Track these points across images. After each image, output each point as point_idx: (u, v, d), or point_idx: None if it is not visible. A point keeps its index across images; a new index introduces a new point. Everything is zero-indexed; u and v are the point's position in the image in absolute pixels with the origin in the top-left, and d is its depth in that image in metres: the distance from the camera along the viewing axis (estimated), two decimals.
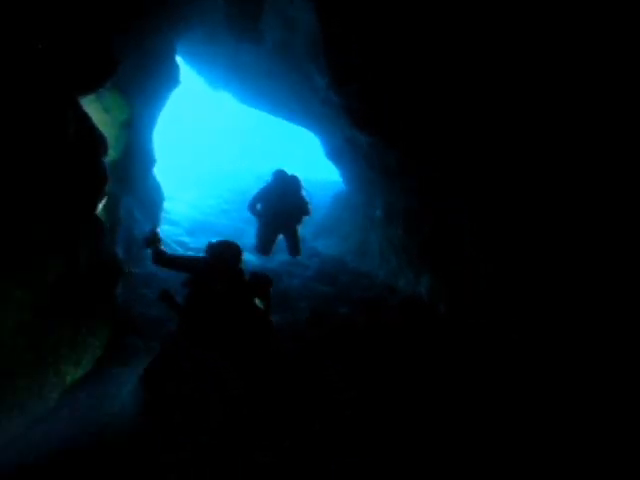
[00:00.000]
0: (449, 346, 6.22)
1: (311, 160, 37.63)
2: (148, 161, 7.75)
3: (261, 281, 5.13)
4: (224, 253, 5.00)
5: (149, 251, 5.63)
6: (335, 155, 10.68)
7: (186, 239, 11.47)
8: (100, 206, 4.64)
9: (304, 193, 9.35)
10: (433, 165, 6.23)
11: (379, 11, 5.32)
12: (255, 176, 12.89)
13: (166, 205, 14.23)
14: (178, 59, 9.68)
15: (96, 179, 4.24)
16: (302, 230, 9.95)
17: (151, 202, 8.21)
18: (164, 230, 12.12)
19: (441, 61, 5.38)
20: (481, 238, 6.29)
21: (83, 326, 4.42)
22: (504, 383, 5.28)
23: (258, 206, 9.22)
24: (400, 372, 5.68)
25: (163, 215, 13.17)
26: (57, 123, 3.66)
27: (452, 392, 5.24)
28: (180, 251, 10.62)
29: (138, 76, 6.38)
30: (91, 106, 4.83)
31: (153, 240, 5.28)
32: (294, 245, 9.57)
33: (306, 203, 9.28)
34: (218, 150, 51.15)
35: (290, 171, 9.46)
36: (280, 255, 9.80)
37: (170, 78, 7.90)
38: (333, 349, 6.15)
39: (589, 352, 4.94)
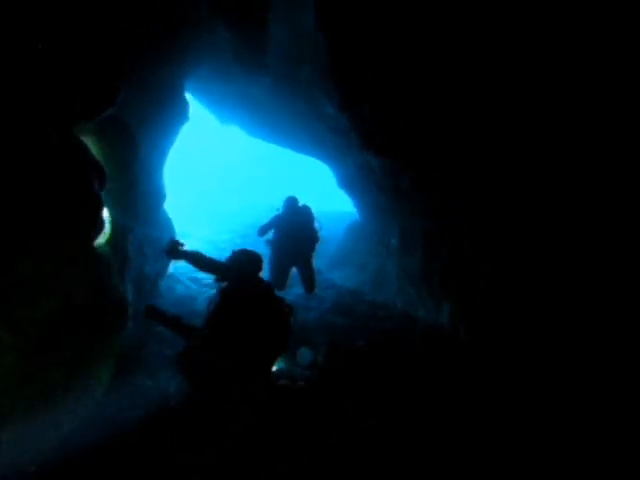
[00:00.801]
0: (472, 376, 5.94)
1: (324, 191, 37.86)
2: (158, 196, 7.67)
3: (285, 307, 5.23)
4: (245, 260, 5.22)
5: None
6: (347, 184, 10.58)
7: (200, 275, 11.34)
8: (99, 238, 4.44)
9: (316, 224, 9.20)
10: (449, 183, 6.05)
11: (387, 31, 5.25)
12: (268, 209, 12.83)
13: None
14: (188, 96, 9.75)
15: (88, 206, 3.94)
16: (317, 262, 9.77)
17: (162, 238, 8.11)
18: (178, 267, 12.05)
19: (449, 75, 5.27)
20: (500, 257, 6.08)
21: (80, 369, 4.19)
22: (531, 416, 4.99)
23: (270, 234, 9.09)
24: (422, 403, 5.41)
25: None
26: (40, 146, 3.48)
27: (472, 424, 4.96)
28: (194, 288, 10.50)
29: (147, 112, 6.36)
30: (93, 142, 4.77)
31: (173, 247, 5.43)
32: (308, 279, 9.36)
33: (316, 232, 9.12)
34: (229, 184, 51.68)
35: (303, 202, 9.34)
36: (296, 288, 9.61)
37: (179, 114, 7.90)
38: (351, 380, 5.91)
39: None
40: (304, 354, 6.27)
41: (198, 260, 5.51)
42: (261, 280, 5.35)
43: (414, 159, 6.13)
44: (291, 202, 9.16)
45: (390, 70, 5.49)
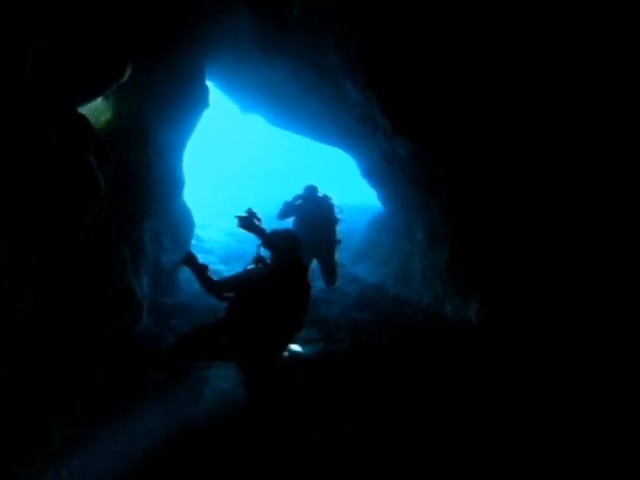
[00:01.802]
0: (498, 374, 5.60)
1: (347, 183, 37.49)
2: (176, 184, 7.41)
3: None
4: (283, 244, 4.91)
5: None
6: (372, 174, 10.22)
7: (220, 267, 11.16)
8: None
9: (337, 213, 8.86)
10: (485, 175, 5.69)
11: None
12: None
13: (200, 233, 14.08)
14: (209, 84, 9.50)
15: (84, 185, 3.44)
16: (340, 255, 9.47)
17: (180, 229, 7.87)
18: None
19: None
20: (532, 254, 5.73)
21: (72, 368, 3.86)
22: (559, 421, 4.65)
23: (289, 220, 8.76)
24: (445, 400, 5.13)
25: (196, 243, 12.97)
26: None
27: (491, 423, 4.68)
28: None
29: (164, 96, 6.12)
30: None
31: (191, 261, 4.89)
32: (329, 272, 9.03)
33: (336, 222, 8.77)
34: (251, 175, 51.53)
35: (323, 192, 9.02)
36: (317, 282, 9.33)
37: (199, 99, 7.63)
38: (373, 374, 5.67)
39: None
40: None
41: (227, 285, 5.05)
42: (300, 259, 5.08)
43: (449, 146, 5.79)
44: (311, 191, 8.85)
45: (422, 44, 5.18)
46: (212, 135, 51.72)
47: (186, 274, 9.88)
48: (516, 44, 4.89)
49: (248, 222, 4.88)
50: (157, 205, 6.31)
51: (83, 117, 3.66)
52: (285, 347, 5.02)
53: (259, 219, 4.97)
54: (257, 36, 7.14)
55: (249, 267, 5.00)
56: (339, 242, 9.00)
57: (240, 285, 4.85)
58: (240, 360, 4.74)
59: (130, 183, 4.78)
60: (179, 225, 7.67)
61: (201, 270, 4.84)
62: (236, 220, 4.98)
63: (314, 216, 8.54)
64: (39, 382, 3.39)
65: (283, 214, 8.69)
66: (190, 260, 4.87)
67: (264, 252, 5.02)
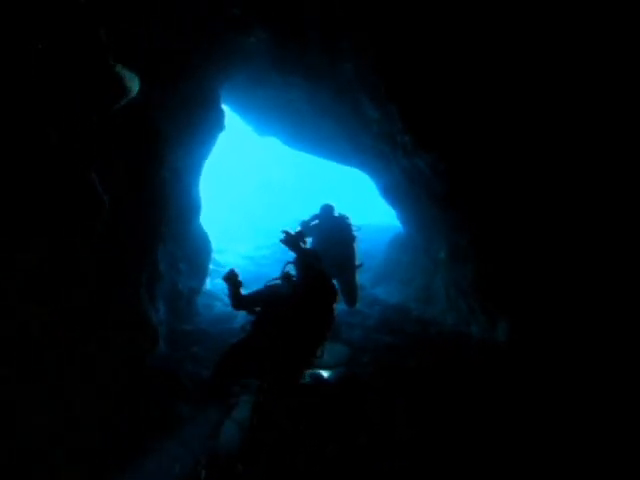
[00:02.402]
0: (527, 396, 5.31)
1: (366, 203, 37.30)
2: (192, 208, 7.30)
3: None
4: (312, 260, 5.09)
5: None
6: (390, 193, 10.03)
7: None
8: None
9: (354, 232, 8.65)
10: (514, 184, 5.46)
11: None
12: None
13: (218, 257, 13.96)
14: (225, 108, 9.48)
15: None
16: (360, 277, 9.24)
17: (197, 253, 7.73)
18: (215, 284, 11.73)
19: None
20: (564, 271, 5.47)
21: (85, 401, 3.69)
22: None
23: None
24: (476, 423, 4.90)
25: (214, 268, 12.83)
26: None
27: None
28: None
29: (180, 118, 6.04)
30: None
31: (233, 278, 5.10)
32: (348, 291, 8.76)
33: (353, 240, 8.57)
34: (270, 198, 51.50)
35: (340, 212, 8.83)
36: (338, 304, 9.11)
37: (214, 122, 7.56)
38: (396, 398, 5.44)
39: None
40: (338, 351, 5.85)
41: (254, 299, 5.16)
42: (326, 274, 5.20)
43: (472, 159, 5.59)
44: (327, 210, 8.68)
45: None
46: (227, 158, 52.01)
47: (204, 300, 9.80)
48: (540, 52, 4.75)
49: (293, 240, 5.12)
50: (173, 229, 6.19)
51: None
52: (308, 364, 4.99)
53: (305, 241, 5.27)
54: (272, 55, 7.05)
55: (273, 282, 5.18)
56: (360, 265, 8.76)
57: (267, 300, 5.00)
58: (267, 375, 4.75)
59: (145, 207, 4.66)
60: (196, 249, 7.54)
61: (238, 287, 5.07)
62: (282, 234, 5.19)
63: (332, 235, 8.35)
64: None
65: (305, 226, 8.54)
66: (233, 277, 5.07)
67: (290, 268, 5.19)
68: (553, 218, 5.31)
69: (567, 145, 5.00)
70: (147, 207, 4.64)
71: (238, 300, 5.07)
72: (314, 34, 6.11)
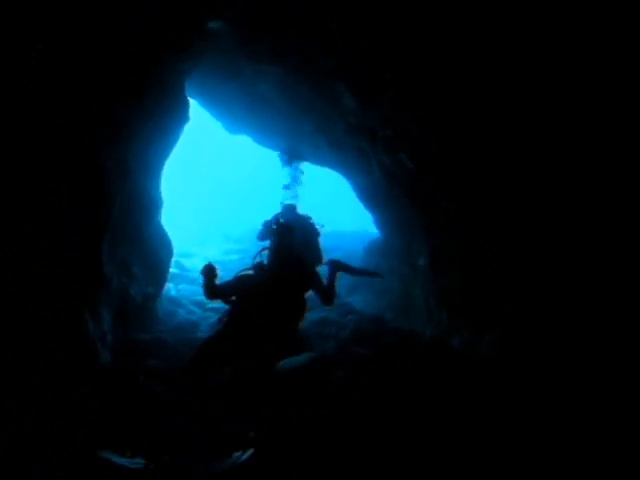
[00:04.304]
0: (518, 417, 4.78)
1: (341, 210, 36.80)
2: (151, 206, 6.59)
3: None
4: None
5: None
6: (368, 194, 9.49)
7: (205, 298, 10.35)
8: None
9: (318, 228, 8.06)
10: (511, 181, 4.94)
11: None
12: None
13: (184, 262, 13.29)
14: (192, 102, 8.84)
15: None
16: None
17: (156, 256, 7.00)
18: (180, 289, 11.05)
19: None
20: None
21: None
22: None
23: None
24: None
25: (179, 272, 12.14)
26: None
27: None
28: (197, 312, 9.47)
29: (136, 102, 5.35)
30: None
31: (210, 272, 5.20)
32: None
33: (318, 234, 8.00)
34: (239, 201, 50.50)
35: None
36: (311, 313, 8.50)
37: (178, 112, 6.87)
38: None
39: None
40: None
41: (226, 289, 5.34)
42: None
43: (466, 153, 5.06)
44: (289, 210, 8.11)
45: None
46: (198, 159, 50.99)
47: (166, 306, 9.10)
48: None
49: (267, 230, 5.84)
50: (126, 229, 5.52)
51: None
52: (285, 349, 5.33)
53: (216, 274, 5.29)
54: (245, 41, 6.39)
55: (244, 272, 5.42)
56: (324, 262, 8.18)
57: (241, 289, 5.20)
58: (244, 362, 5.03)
59: (81, 200, 3.99)
60: (154, 252, 6.82)
61: (213, 279, 5.18)
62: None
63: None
64: None
65: (263, 235, 7.99)
66: (210, 270, 5.19)
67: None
68: (555, 221, 4.80)
69: (566, 144, 4.55)
70: (84, 201, 3.98)
71: (212, 290, 5.17)
72: (292, 22, 5.49)
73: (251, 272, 5.42)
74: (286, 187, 8.98)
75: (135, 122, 5.33)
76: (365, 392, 5.53)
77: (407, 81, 5.13)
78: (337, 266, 5.84)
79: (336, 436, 4.44)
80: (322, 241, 7.96)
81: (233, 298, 5.28)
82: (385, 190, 7.77)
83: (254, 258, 5.72)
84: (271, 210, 8.24)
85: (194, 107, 8.96)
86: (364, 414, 4.90)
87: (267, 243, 5.65)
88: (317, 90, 6.84)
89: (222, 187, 55.58)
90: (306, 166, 13.18)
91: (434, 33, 4.78)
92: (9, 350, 3.24)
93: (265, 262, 5.57)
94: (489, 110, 4.76)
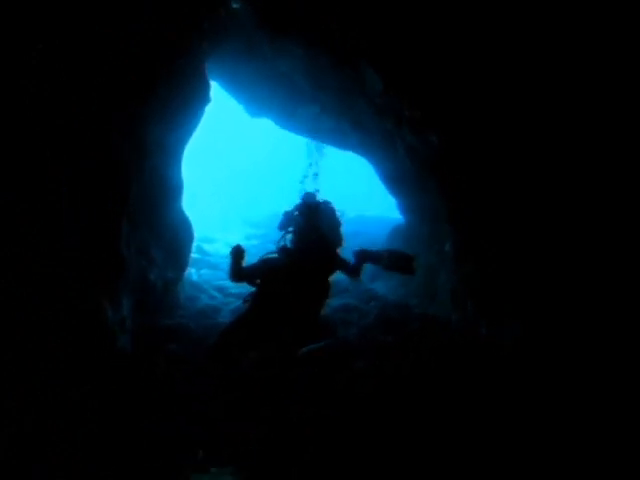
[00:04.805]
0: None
1: (364, 193, 36.44)
2: (171, 190, 6.47)
3: None
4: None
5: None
6: (393, 178, 9.26)
7: (227, 283, 10.27)
8: None
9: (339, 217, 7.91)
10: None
11: None
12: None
13: (206, 247, 13.26)
14: (214, 85, 8.69)
15: None
16: None
17: (176, 241, 6.91)
18: (202, 274, 11.00)
19: None
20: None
21: None
22: None
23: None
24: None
25: (200, 257, 12.10)
26: None
27: None
28: (219, 298, 9.40)
29: (154, 86, 5.22)
30: None
31: (238, 254, 5.21)
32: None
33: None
34: (261, 186, 50.38)
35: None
36: (332, 299, 8.37)
37: (199, 93, 6.71)
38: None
39: None
40: None
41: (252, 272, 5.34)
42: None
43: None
44: (309, 198, 7.96)
45: None
46: (217, 143, 50.93)
47: (188, 291, 9.05)
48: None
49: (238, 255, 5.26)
50: (146, 213, 5.42)
51: None
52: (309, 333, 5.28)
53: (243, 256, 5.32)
54: (264, 18, 6.20)
55: (268, 256, 5.38)
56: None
57: (265, 272, 5.19)
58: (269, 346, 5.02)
59: (100, 182, 3.88)
60: (175, 237, 6.73)
61: (240, 261, 5.21)
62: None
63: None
64: None
65: (284, 225, 7.85)
66: (239, 251, 5.20)
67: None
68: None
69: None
70: (105, 184, 3.89)
71: (238, 272, 5.17)
72: None
73: (275, 255, 5.36)
74: (315, 175, 8.91)
75: (153, 105, 5.20)
76: (378, 387, 5.41)
77: (435, 59, 4.91)
78: (364, 257, 5.56)
79: (336, 436, 4.33)
80: (344, 226, 7.81)
81: (258, 281, 5.25)
82: (410, 173, 7.56)
83: (278, 242, 5.65)
84: (290, 195, 8.11)
85: (215, 91, 8.85)
86: (368, 413, 4.75)
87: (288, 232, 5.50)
88: (341, 70, 6.63)
89: (240, 172, 55.61)
90: (328, 150, 13.05)
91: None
92: (9, 350, 3.19)
93: (289, 246, 5.52)
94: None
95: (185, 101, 6.45)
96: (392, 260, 5.51)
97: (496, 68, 4.68)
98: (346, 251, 7.57)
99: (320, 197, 7.98)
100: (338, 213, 7.83)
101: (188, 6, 5.79)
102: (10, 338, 3.23)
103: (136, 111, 4.76)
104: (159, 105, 5.46)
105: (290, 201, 7.87)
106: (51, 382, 3.35)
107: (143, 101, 4.84)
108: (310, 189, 8.48)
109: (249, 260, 5.61)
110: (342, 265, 5.53)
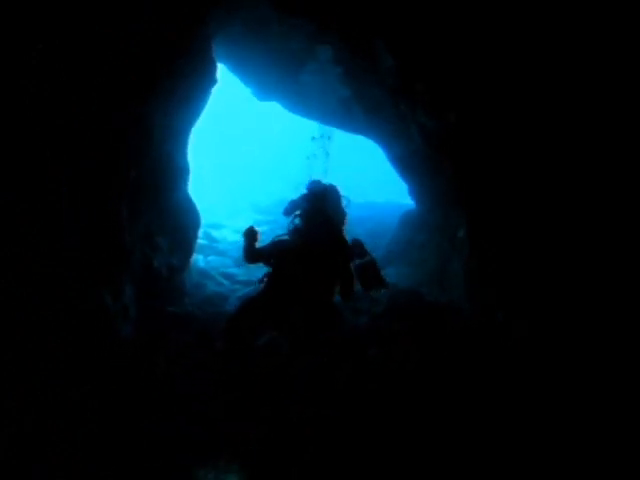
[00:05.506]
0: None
1: (375, 179, 36.08)
2: (177, 174, 6.26)
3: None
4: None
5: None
6: (405, 161, 8.99)
7: (234, 270, 10.14)
8: None
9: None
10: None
11: None
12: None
13: (214, 233, 13.09)
14: (220, 67, 8.45)
15: None
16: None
17: (182, 226, 6.72)
18: (210, 261, 10.84)
19: None
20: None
21: None
22: None
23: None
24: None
25: (207, 244, 11.93)
26: None
27: None
28: (226, 285, 9.25)
29: (157, 66, 5.01)
30: None
31: (252, 235, 5.14)
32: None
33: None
34: (269, 172, 50.09)
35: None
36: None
37: (204, 73, 6.48)
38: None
39: None
40: None
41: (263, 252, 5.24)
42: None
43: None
44: (314, 184, 7.81)
45: None
46: (225, 129, 50.65)
47: (195, 278, 8.90)
48: None
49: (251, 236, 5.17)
50: (150, 197, 5.23)
51: None
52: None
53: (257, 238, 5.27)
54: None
55: (280, 238, 5.29)
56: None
57: (277, 253, 5.11)
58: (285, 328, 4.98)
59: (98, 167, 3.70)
60: (180, 222, 6.55)
61: (254, 242, 5.15)
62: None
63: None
64: None
65: (288, 211, 7.69)
66: (252, 234, 5.13)
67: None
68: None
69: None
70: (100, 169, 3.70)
71: (251, 253, 5.14)
72: None
73: (286, 237, 5.31)
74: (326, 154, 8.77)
75: (157, 88, 5.01)
76: (386, 382, 5.31)
77: (451, 33, 4.66)
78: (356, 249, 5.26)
79: (336, 436, 4.29)
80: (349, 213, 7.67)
81: (272, 261, 5.21)
82: (424, 155, 7.30)
83: (288, 226, 5.51)
84: (298, 180, 7.92)
85: (222, 75, 8.63)
86: (369, 413, 4.68)
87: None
88: (352, 49, 6.37)
89: (249, 158, 55.32)
90: (337, 134, 12.80)
91: None
92: (9, 350, 3.08)
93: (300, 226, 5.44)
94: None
95: (190, 81, 6.23)
96: (361, 273, 5.30)
97: (522, 42, 4.46)
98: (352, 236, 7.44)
99: (328, 180, 7.82)
100: (344, 201, 7.67)
101: None
102: (9, 334, 3.15)
103: (139, 94, 4.57)
104: (162, 87, 5.26)
105: (298, 187, 7.71)
106: (51, 382, 3.29)
107: (146, 84, 4.64)
108: (317, 169, 8.37)
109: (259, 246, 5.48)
110: (347, 248, 5.33)
